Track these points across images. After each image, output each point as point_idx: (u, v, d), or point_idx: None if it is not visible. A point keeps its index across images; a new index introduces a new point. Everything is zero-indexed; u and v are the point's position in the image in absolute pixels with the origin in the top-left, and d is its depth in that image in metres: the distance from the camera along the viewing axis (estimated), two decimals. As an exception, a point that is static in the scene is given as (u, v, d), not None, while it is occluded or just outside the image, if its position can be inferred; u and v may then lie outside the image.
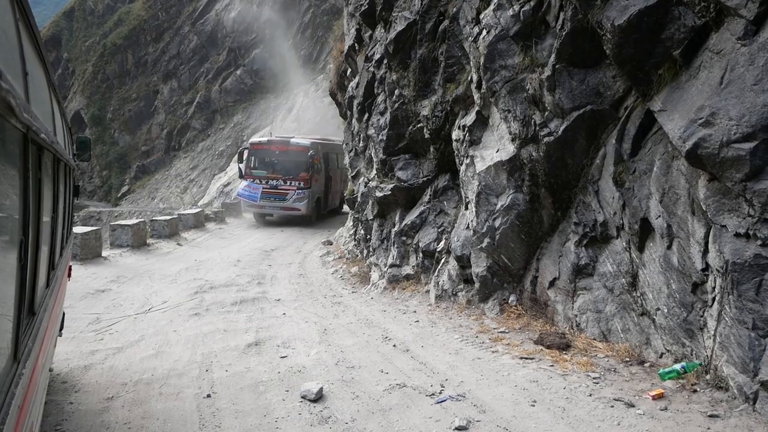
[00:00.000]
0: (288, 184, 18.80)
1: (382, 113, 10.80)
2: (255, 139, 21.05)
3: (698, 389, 4.26)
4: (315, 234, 17.52)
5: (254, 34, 41.62)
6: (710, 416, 3.90)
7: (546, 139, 6.14)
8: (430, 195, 9.40)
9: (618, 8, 4.98)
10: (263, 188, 18.89)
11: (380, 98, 11.01)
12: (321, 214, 20.67)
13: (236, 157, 20.62)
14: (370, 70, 11.39)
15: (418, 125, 9.48)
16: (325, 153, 20.77)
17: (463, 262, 7.69)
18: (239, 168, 19.78)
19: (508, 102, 6.67)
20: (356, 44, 12.94)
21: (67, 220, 4.90)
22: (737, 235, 3.96)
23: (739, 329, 3.93)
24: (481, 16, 7.31)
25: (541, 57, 6.25)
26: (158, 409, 4.59)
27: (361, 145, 12.36)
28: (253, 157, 19.55)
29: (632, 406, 4.20)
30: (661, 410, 4.09)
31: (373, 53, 11.28)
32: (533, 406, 4.35)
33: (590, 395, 4.46)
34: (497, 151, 7.00)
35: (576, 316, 5.94)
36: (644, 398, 4.31)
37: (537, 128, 6.28)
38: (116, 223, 14.74)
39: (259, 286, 9.93)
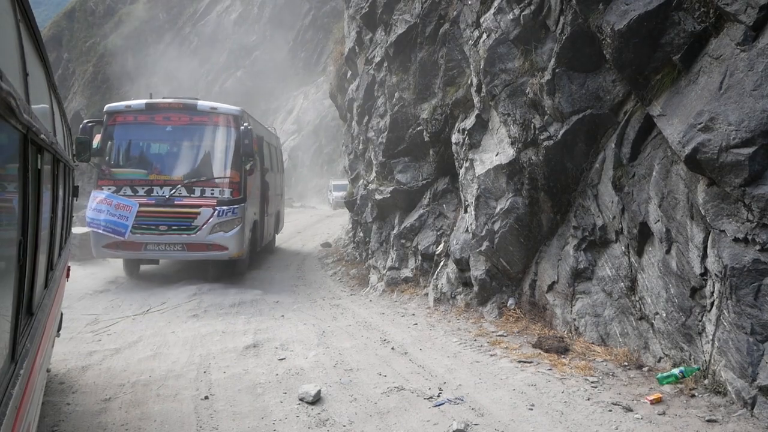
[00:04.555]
0: (198, 194, 9.46)
1: (381, 116, 10.81)
2: (118, 104, 10.30)
3: (696, 394, 4.26)
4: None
5: (255, 36, 41.66)
6: (708, 421, 3.90)
7: (545, 143, 6.15)
8: (429, 198, 9.40)
9: (618, 13, 5.00)
10: (140, 205, 9.15)
11: (380, 101, 11.02)
12: (255, 252, 11.61)
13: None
14: (371, 72, 11.41)
15: (418, 128, 9.49)
16: (260, 137, 11.46)
17: (462, 265, 7.69)
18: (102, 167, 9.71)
19: (508, 106, 6.68)
20: (356, 47, 12.95)
21: (66, 220, 4.91)
22: (736, 240, 3.96)
23: (738, 334, 3.93)
24: (482, 20, 7.33)
25: (541, 61, 6.26)
26: (156, 410, 4.57)
27: (360, 147, 12.37)
28: (113, 142, 9.69)
29: (630, 410, 4.20)
30: (659, 415, 4.08)
31: (374, 56, 11.29)
32: (531, 409, 4.35)
33: (588, 399, 4.45)
34: (497, 155, 7.01)
35: (575, 319, 5.94)
36: (642, 402, 4.30)
37: (536, 132, 6.29)
38: (115, 223, 14.69)
39: (258, 288, 9.91)
